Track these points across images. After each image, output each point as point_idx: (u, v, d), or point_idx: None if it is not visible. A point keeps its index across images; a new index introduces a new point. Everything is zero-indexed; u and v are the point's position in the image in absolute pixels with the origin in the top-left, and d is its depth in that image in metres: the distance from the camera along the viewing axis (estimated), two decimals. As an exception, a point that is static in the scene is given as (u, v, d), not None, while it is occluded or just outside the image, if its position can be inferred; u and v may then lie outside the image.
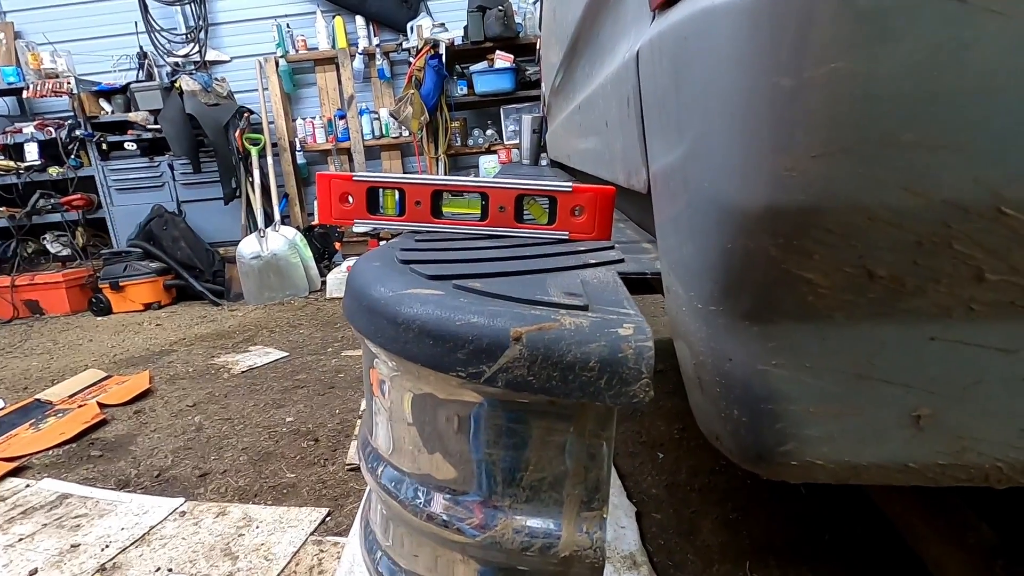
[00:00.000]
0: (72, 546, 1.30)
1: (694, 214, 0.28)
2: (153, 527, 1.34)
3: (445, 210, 0.61)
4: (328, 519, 1.31)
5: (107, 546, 1.28)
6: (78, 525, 1.39)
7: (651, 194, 0.38)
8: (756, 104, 0.22)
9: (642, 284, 0.60)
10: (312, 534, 1.26)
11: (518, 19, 4.41)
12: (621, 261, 0.44)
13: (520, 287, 0.34)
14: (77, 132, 4.18)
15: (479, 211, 0.59)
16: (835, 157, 0.22)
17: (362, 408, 1.99)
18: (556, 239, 0.56)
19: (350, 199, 0.58)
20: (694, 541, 1.17)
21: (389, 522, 0.36)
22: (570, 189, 0.55)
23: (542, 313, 0.29)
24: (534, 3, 4.38)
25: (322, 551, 1.21)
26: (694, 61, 0.26)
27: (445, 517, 0.31)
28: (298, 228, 4.11)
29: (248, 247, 3.71)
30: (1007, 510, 0.56)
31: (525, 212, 0.58)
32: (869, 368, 0.28)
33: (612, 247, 0.50)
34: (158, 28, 4.61)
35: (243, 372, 2.38)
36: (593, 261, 0.43)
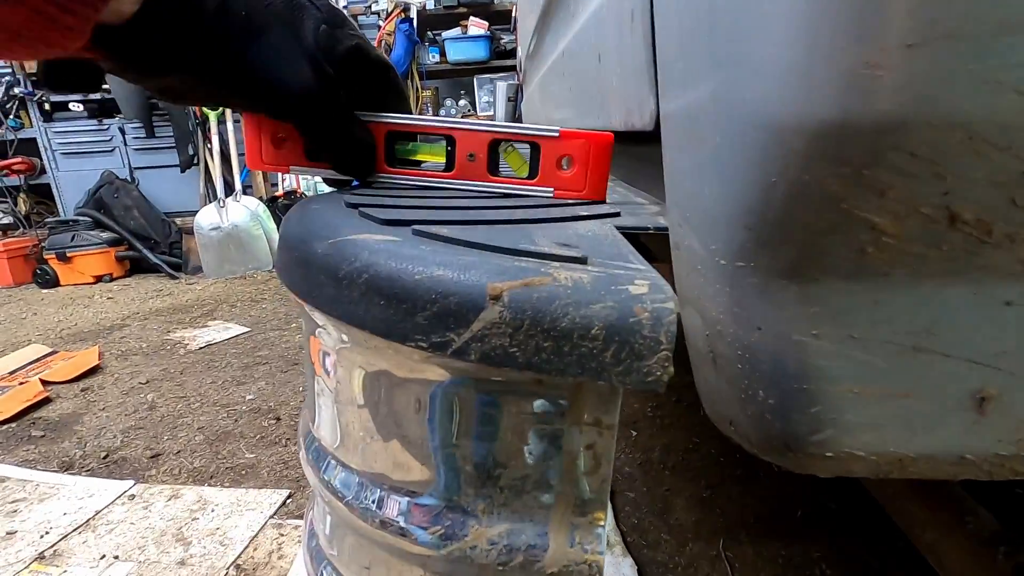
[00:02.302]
0: (7, 533, 1.20)
1: (725, 141, 0.22)
2: (99, 512, 1.26)
3: (403, 156, 0.52)
4: (289, 501, 1.25)
5: (47, 532, 1.20)
6: (15, 511, 1.29)
7: (659, 131, 0.32)
8: (832, -29, 0.16)
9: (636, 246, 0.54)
10: (272, 517, 1.20)
11: (493, -16, 4.24)
12: (617, 215, 0.37)
13: (499, 235, 0.27)
14: (16, 90, 3.87)
15: (443, 159, 0.50)
16: (938, 46, 0.16)
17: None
18: (537, 196, 0.47)
19: (284, 140, 0.48)
20: (668, 520, 1.15)
21: (335, 528, 0.29)
22: (557, 134, 0.46)
23: (529, 265, 0.22)
24: (510, -32, 4.22)
25: (282, 535, 1.15)
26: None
27: (402, 524, 0.25)
28: (261, 199, 3.93)
29: (207, 218, 3.53)
30: (1007, 494, 0.53)
31: (501, 162, 0.49)
32: (929, 339, 0.23)
33: (604, 201, 0.43)
34: (105, -20, 4.28)
35: (201, 348, 2.27)
36: (584, 213, 0.36)
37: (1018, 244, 0.20)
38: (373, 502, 0.26)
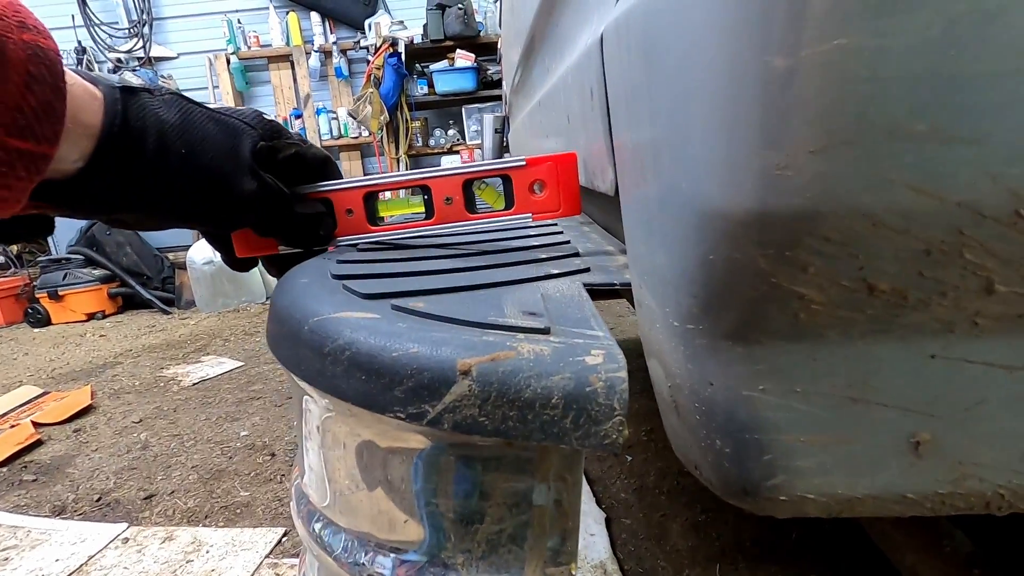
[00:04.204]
0: (-1, 583, 1.19)
1: (669, 220, 0.25)
2: (92, 557, 1.25)
3: (384, 214, 0.54)
4: (284, 539, 1.24)
5: (39, 581, 1.18)
6: (7, 558, 1.28)
7: (618, 196, 0.35)
8: (743, 89, 0.19)
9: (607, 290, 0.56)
10: (268, 556, 1.20)
11: (479, 17, 4.36)
12: (587, 271, 0.40)
13: (471, 306, 0.29)
14: (9, 132, 3.90)
15: (423, 208, 0.52)
16: (837, 152, 0.18)
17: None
18: (518, 226, 0.49)
19: None
20: (664, 546, 1.16)
21: (326, 580, 0.31)
22: (523, 163, 0.48)
23: (496, 339, 0.24)
24: (494, 1, 4.35)
25: (278, 574, 1.15)
26: (668, 40, 0.23)
27: (389, 578, 0.27)
28: (253, 231, 3.95)
29: (199, 252, 3.54)
30: (980, 517, 0.55)
31: (477, 200, 0.52)
32: (864, 391, 0.25)
33: (576, 254, 0.46)
34: (98, 22, 4.36)
35: (194, 384, 2.26)
36: (556, 271, 0.38)
37: (933, 306, 0.23)
38: (361, 558, 0.28)
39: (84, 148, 0.37)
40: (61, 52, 0.35)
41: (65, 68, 0.35)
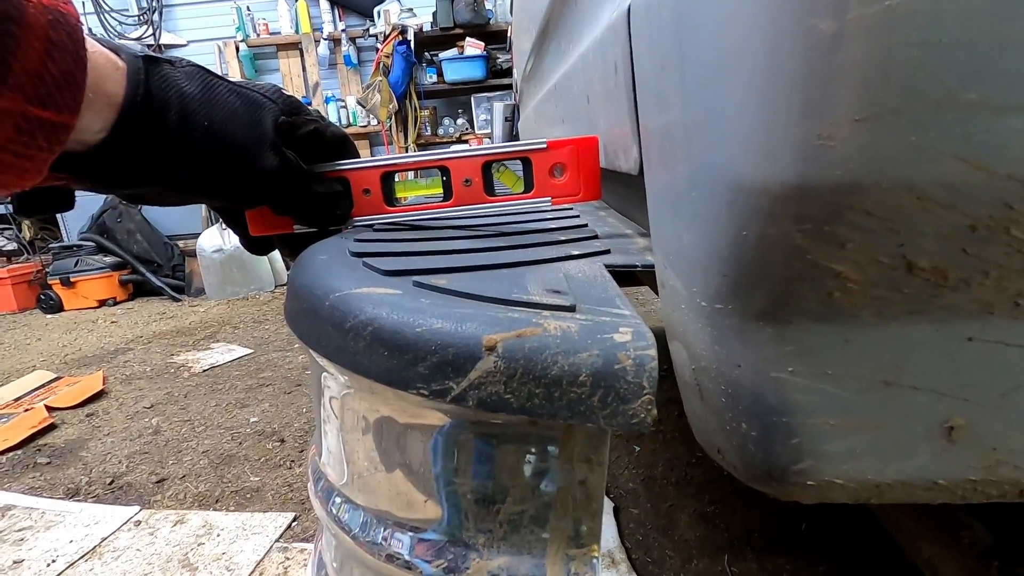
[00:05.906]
0: (14, 562, 1.21)
1: (699, 196, 0.24)
2: (105, 539, 1.26)
3: (401, 195, 0.53)
4: (295, 524, 1.25)
5: (54, 560, 1.20)
6: (22, 539, 1.30)
7: (643, 175, 0.34)
8: (785, 55, 0.18)
9: (625, 276, 0.55)
10: (277, 540, 1.21)
11: (488, 5, 4.32)
12: (607, 252, 0.39)
13: (494, 283, 0.29)
14: (21, 119, 3.92)
15: (441, 190, 0.51)
16: (883, 121, 0.17)
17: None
18: (535, 209, 0.49)
19: None
20: (672, 536, 1.16)
21: (344, 560, 0.31)
22: (544, 145, 0.47)
23: (521, 316, 0.24)
24: (504, -11, 4.30)
25: (288, 558, 1.16)
26: (703, 7, 0.22)
27: (408, 557, 0.26)
28: (262, 220, 3.96)
29: (209, 240, 3.56)
30: (999, 508, 0.54)
31: (496, 183, 0.51)
32: (897, 374, 0.25)
33: (595, 236, 0.45)
34: (107, 8, 4.37)
35: (204, 371, 2.28)
36: (576, 252, 0.38)
37: (974, 287, 0.22)
38: (379, 537, 0.27)
39: (107, 118, 0.37)
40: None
41: (85, 35, 0.34)
